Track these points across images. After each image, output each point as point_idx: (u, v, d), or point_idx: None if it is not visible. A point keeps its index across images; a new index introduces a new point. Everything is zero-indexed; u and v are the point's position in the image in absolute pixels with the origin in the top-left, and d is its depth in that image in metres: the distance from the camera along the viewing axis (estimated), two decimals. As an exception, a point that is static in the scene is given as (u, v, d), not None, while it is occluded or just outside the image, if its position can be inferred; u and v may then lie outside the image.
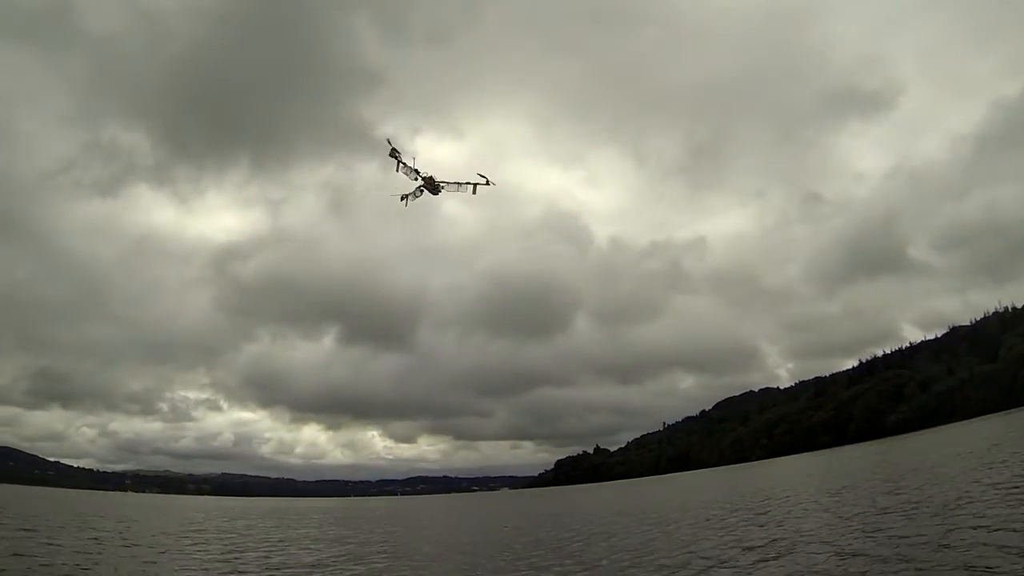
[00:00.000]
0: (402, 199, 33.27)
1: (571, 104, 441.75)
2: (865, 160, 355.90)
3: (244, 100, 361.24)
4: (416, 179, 32.40)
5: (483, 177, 33.31)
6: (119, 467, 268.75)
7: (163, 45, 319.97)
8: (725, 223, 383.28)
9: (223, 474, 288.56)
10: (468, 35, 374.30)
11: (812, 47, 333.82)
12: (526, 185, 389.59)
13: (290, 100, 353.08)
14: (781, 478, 50.40)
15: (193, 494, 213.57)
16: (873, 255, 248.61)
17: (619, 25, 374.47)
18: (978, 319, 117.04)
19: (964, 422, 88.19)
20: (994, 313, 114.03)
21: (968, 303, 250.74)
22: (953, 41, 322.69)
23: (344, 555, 22.14)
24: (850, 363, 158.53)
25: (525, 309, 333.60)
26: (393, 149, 32.62)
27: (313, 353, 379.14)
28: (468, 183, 33.77)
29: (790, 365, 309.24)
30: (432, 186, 32.96)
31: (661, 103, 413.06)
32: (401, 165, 31.79)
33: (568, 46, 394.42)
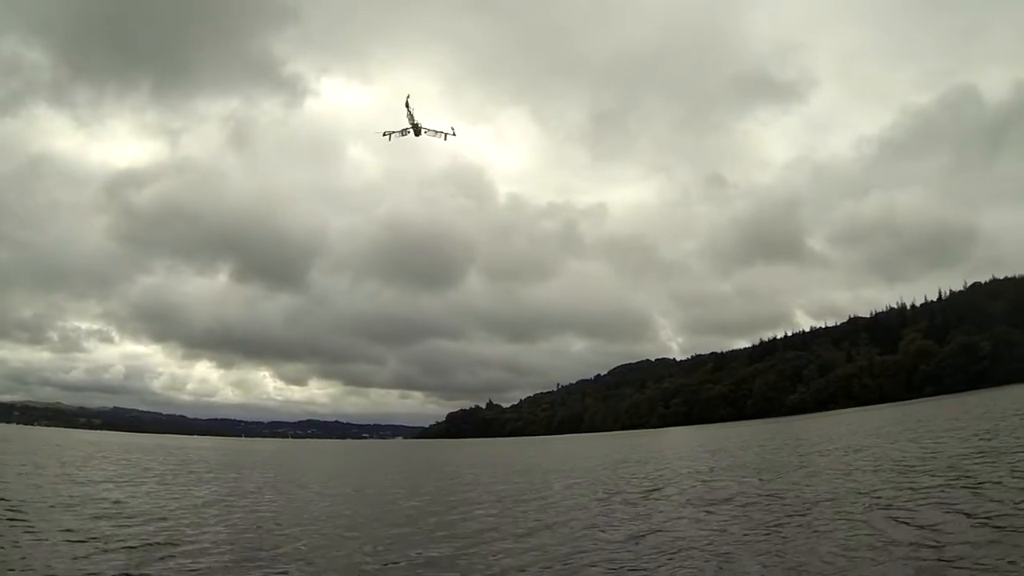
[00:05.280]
0: (385, 135, 41.27)
1: (483, 62, 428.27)
2: (771, 148, 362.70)
3: (149, 22, 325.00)
4: (410, 123, 40.37)
5: (452, 129, 42.61)
6: (7, 398, 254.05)
7: None
8: (627, 193, 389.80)
9: (115, 408, 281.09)
10: None
11: (731, 30, 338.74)
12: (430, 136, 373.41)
13: (197, 27, 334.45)
14: (679, 445, 48.06)
15: (84, 428, 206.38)
16: (771, 241, 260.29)
17: None
18: (878, 311, 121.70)
19: (861, 408, 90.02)
20: (893, 308, 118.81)
21: (859, 298, 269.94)
22: (872, 47, 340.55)
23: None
24: (741, 343, 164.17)
25: (421, 259, 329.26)
26: (408, 100, 40.33)
27: (207, 288, 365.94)
28: (442, 131, 42.27)
29: (680, 339, 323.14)
30: (416, 130, 40.86)
31: (572, 69, 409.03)
32: (408, 114, 40.13)
33: (486, 5, 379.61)
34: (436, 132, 42.21)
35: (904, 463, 16.63)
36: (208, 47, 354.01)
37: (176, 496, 17.81)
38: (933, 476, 13.55)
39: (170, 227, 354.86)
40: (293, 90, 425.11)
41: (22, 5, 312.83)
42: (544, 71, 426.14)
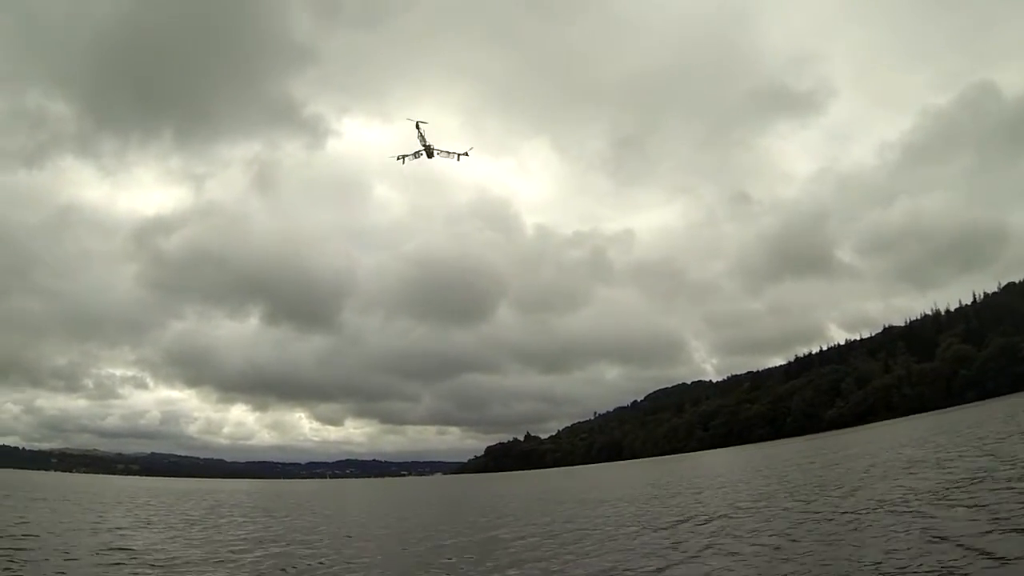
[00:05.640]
0: (398, 158, 42.59)
1: (502, 95, 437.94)
2: (794, 161, 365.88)
3: (168, 71, 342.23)
4: (422, 145, 41.52)
5: (467, 151, 43.89)
6: (45, 445, 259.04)
7: (89, 9, 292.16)
8: (652, 217, 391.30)
9: (152, 454, 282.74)
10: (401, 20, 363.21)
11: (746, 46, 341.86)
12: (455, 172, 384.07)
13: (216, 72, 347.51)
14: (722, 466, 47.07)
15: (121, 474, 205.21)
16: (799, 255, 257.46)
17: (553, 16, 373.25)
18: (913, 319, 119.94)
19: (902, 419, 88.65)
20: (927, 315, 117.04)
21: (891, 307, 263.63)
22: (886, 51, 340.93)
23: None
24: (775, 360, 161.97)
25: (451, 294, 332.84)
26: (418, 123, 41.14)
27: (238, 332, 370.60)
28: (455, 152, 43.60)
29: (715, 360, 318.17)
30: (429, 152, 42.16)
31: (589, 96, 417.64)
32: (419, 136, 41.20)
33: (501, 36, 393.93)
34: (449, 153, 43.27)
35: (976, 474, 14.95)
36: (228, 92, 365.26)
37: (195, 543, 16.74)
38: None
39: (199, 272, 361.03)
40: (315, 131, 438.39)
41: (44, 59, 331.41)
42: (561, 100, 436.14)
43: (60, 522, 21.22)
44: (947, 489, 13.51)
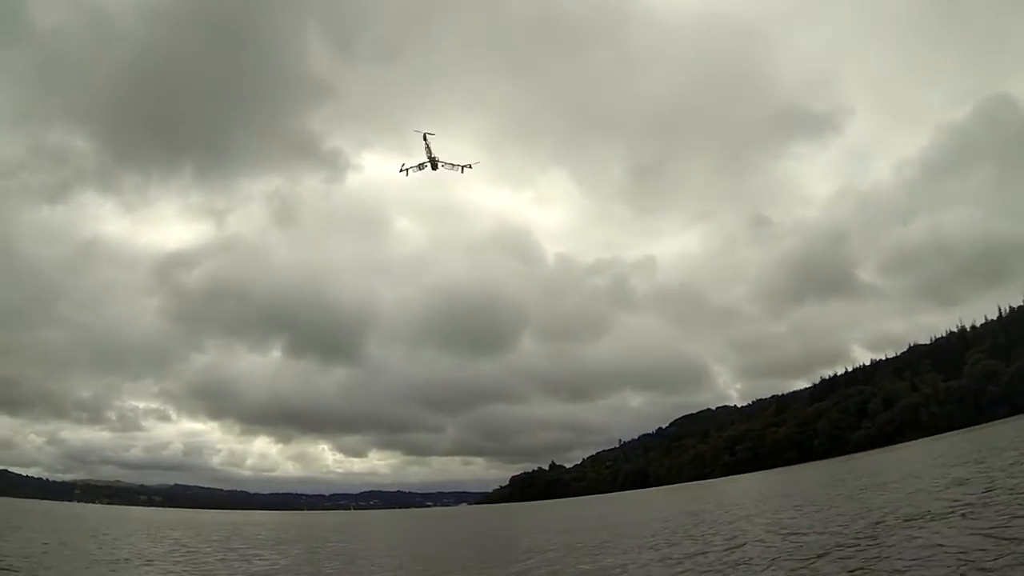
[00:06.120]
0: (402, 170, 45.76)
1: (519, 125, 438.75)
2: (812, 183, 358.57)
3: (186, 106, 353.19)
4: (427, 156, 43.67)
5: (469, 165, 46.55)
6: (68, 476, 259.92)
7: (109, 45, 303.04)
8: (673, 244, 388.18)
9: (175, 485, 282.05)
10: (418, 53, 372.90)
11: (760, 70, 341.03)
12: (475, 203, 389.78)
13: (234, 108, 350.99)
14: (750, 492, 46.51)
15: (144, 505, 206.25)
16: (821, 277, 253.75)
17: (568, 46, 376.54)
18: (938, 337, 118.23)
19: (930, 438, 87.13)
20: (953, 332, 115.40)
21: (916, 325, 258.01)
22: (900, 68, 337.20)
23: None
24: (800, 384, 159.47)
25: (474, 324, 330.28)
26: (425, 134, 44.01)
27: (261, 364, 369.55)
28: (459, 165, 46.05)
29: (739, 385, 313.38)
30: (434, 164, 44.49)
31: (607, 124, 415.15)
32: (426, 147, 43.59)
33: (517, 68, 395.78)
34: (453, 166, 45.07)
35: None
36: (247, 127, 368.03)
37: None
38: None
39: (221, 305, 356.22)
40: (334, 165, 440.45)
41: (65, 96, 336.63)
42: (579, 129, 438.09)
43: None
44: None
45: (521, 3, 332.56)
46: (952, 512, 14.45)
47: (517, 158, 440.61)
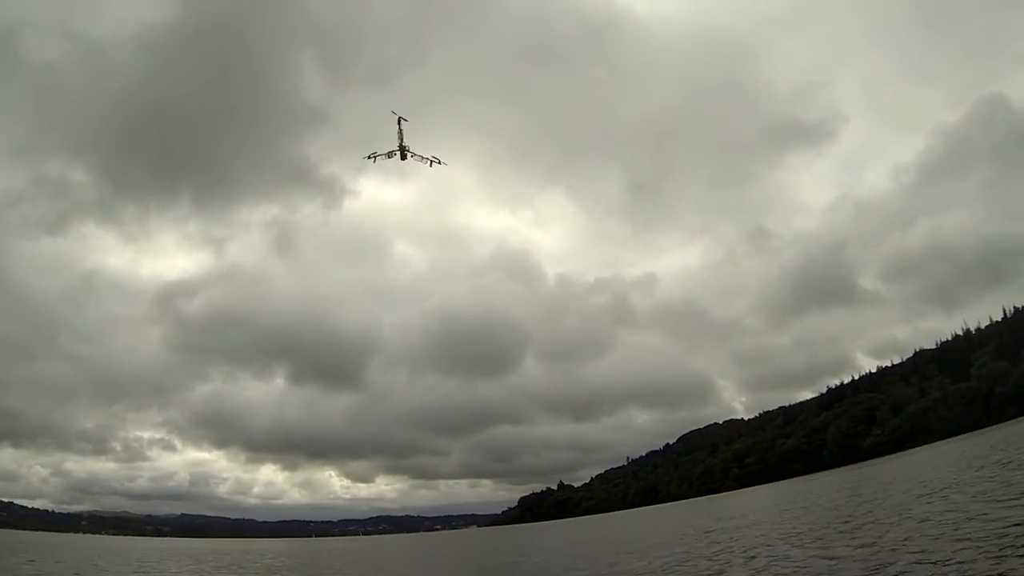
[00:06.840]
0: (369, 157, 44.42)
1: (515, 147, 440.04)
2: (810, 192, 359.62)
3: (185, 137, 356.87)
4: (399, 143, 42.65)
5: (438, 159, 45.64)
6: (74, 508, 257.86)
7: (105, 77, 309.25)
8: (672, 259, 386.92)
9: (182, 515, 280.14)
10: (412, 77, 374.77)
11: (753, 81, 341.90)
12: (474, 226, 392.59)
13: (232, 137, 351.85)
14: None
15: (151, 535, 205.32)
16: (822, 286, 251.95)
17: (563, 66, 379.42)
18: (944, 341, 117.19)
19: (940, 442, 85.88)
20: (958, 335, 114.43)
21: (919, 330, 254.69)
22: (892, 73, 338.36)
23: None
24: (805, 394, 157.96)
25: (476, 347, 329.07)
26: (400, 118, 42.94)
27: (264, 392, 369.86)
28: (428, 158, 44.71)
29: (744, 398, 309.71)
30: (403, 153, 43.32)
31: (603, 142, 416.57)
32: (399, 131, 42.83)
33: (511, 89, 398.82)
34: (423, 158, 44.33)
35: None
36: (243, 156, 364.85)
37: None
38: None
39: (223, 334, 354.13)
40: (331, 191, 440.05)
41: (63, 128, 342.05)
42: (574, 148, 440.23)
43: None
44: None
45: (513, 25, 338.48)
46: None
47: (514, 179, 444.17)
